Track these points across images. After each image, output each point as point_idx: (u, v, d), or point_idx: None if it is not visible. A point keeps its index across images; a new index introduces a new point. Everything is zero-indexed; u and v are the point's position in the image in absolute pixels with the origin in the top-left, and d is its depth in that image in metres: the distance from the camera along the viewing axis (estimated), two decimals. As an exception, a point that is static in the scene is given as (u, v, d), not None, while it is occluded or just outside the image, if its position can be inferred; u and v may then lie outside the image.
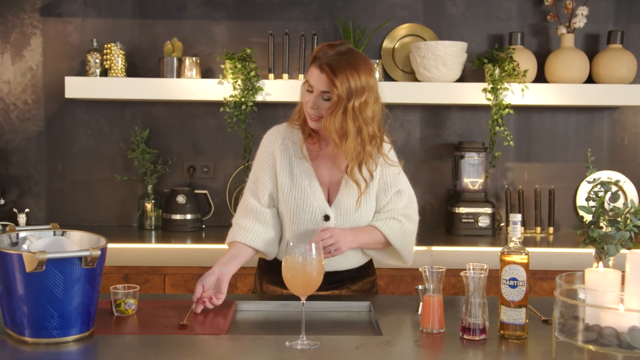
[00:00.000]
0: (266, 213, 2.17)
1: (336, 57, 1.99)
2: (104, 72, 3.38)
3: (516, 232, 1.78)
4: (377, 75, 2.06)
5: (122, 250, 3.02)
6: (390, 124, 2.21)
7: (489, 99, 3.29)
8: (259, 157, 2.20)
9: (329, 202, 2.15)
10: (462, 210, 3.38)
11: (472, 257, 2.85)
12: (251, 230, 2.16)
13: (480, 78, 3.47)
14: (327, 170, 2.15)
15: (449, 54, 3.28)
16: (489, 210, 3.38)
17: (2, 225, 3.33)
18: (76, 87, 3.27)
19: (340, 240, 2.05)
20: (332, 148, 2.09)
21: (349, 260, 2.20)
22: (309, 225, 2.12)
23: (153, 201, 3.46)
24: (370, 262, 2.32)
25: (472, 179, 3.45)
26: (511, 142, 3.33)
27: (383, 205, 2.18)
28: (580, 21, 3.39)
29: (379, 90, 2.08)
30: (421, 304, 1.91)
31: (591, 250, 1.78)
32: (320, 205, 2.12)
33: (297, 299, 1.78)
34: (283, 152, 2.15)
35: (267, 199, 2.17)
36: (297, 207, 2.12)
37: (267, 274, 2.30)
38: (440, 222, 3.60)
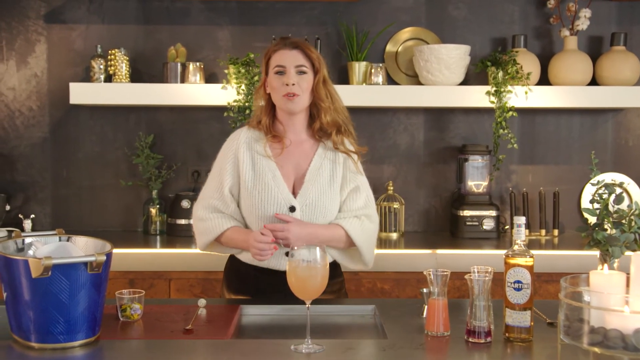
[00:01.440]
0: (231, 210, 2.21)
1: (298, 38, 2.26)
2: (108, 78, 3.40)
3: (521, 234, 1.78)
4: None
5: (127, 256, 3.03)
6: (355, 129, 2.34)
7: (492, 102, 3.29)
8: (222, 157, 2.28)
9: (294, 194, 2.19)
10: (467, 213, 3.38)
11: (477, 260, 2.85)
12: (227, 218, 2.21)
13: (483, 81, 3.48)
14: (291, 165, 2.22)
15: (452, 57, 3.28)
16: (493, 213, 3.38)
17: (8, 231, 3.35)
18: (81, 93, 3.28)
19: (291, 237, 2.07)
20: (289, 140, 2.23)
21: None
22: (274, 218, 2.15)
23: (158, 206, 3.47)
24: (337, 263, 2.33)
25: (476, 182, 3.45)
26: (515, 145, 3.33)
27: (341, 203, 2.23)
28: (583, 23, 3.39)
29: None
30: (426, 307, 1.91)
31: (596, 253, 1.78)
32: (285, 197, 2.16)
33: (302, 302, 1.78)
34: (246, 151, 2.22)
35: (228, 195, 2.22)
36: (262, 200, 2.16)
37: (234, 283, 2.32)
38: (444, 225, 3.60)
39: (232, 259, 2.33)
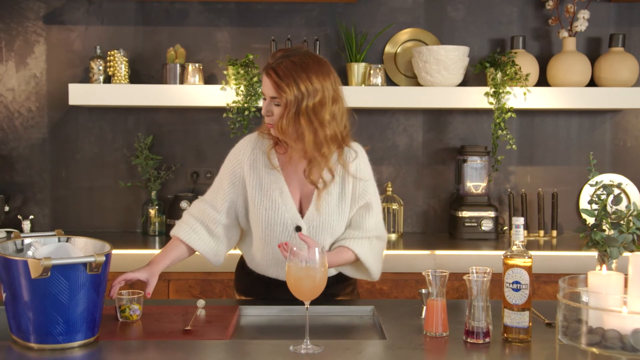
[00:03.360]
0: (218, 222, 2.15)
1: (283, 61, 1.97)
2: (108, 79, 3.40)
3: (519, 235, 1.78)
4: (332, 77, 2.04)
5: (126, 256, 3.02)
6: (355, 129, 2.16)
7: (491, 103, 3.30)
8: (227, 165, 2.18)
9: (301, 213, 2.11)
10: (465, 214, 3.38)
11: (476, 261, 2.85)
12: (197, 231, 2.16)
13: (482, 82, 3.48)
14: (298, 180, 2.12)
15: (451, 59, 3.29)
16: (492, 214, 3.38)
17: (7, 232, 3.35)
18: (80, 94, 3.28)
19: None
20: (295, 154, 2.08)
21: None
22: (280, 236, 2.09)
23: (157, 207, 3.47)
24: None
25: (475, 183, 3.45)
26: (514, 146, 3.34)
27: (350, 218, 2.14)
28: (581, 25, 3.40)
29: (340, 91, 2.06)
30: (425, 307, 1.92)
31: (594, 253, 1.79)
32: (291, 216, 2.09)
33: (301, 303, 1.78)
34: (253, 163, 2.12)
35: (226, 208, 2.15)
36: (269, 218, 2.09)
37: (242, 284, 2.31)
38: (443, 226, 3.60)
39: (242, 264, 2.31)
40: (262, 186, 2.10)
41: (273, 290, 2.18)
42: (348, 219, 2.15)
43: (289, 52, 2.01)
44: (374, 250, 2.15)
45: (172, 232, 2.21)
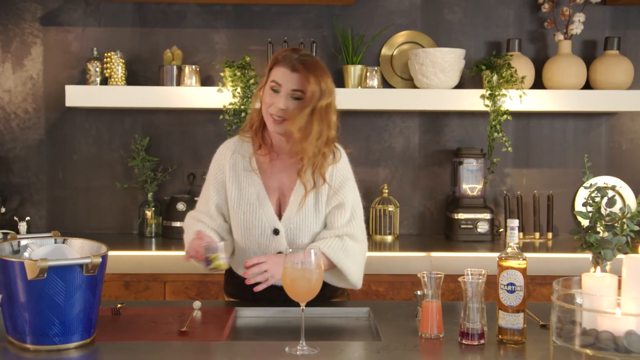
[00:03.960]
0: (215, 224, 2.17)
1: (306, 58, 2.04)
2: (104, 81, 3.40)
3: (514, 237, 1.79)
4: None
5: (123, 258, 3.03)
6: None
7: (487, 106, 3.31)
8: (210, 172, 2.22)
9: (280, 215, 2.13)
10: (461, 216, 3.39)
11: (471, 263, 2.86)
12: (203, 227, 2.16)
13: (478, 84, 3.49)
14: (277, 182, 2.14)
15: (447, 61, 3.30)
16: (487, 216, 3.39)
17: (3, 233, 3.35)
18: (77, 96, 3.29)
19: (275, 273, 1.98)
20: (284, 155, 2.11)
21: None
22: (260, 239, 2.11)
23: (153, 209, 3.47)
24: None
25: (471, 185, 3.46)
26: (509, 148, 3.35)
27: (325, 218, 2.15)
28: (577, 28, 3.41)
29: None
30: (420, 309, 1.92)
31: (589, 256, 1.80)
32: (269, 219, 2.11)
33: (297, 305, 1.79)
34: (232, 166, 2.15)
35: (215, 210, 2.18)
36: (247, 221, 2.11)
37: (229, 286, 2.32)
38: (439, 228, 3.61)
39: (229, 268, 2.32)
40: (241, 189, 2.13)
41: (261, 293, 2.18)
42: (324, 220, 2.16)
43: (301, 52, 2.06)
44: (347, 250, 2.10)
45: (193, 231, 2.14)
